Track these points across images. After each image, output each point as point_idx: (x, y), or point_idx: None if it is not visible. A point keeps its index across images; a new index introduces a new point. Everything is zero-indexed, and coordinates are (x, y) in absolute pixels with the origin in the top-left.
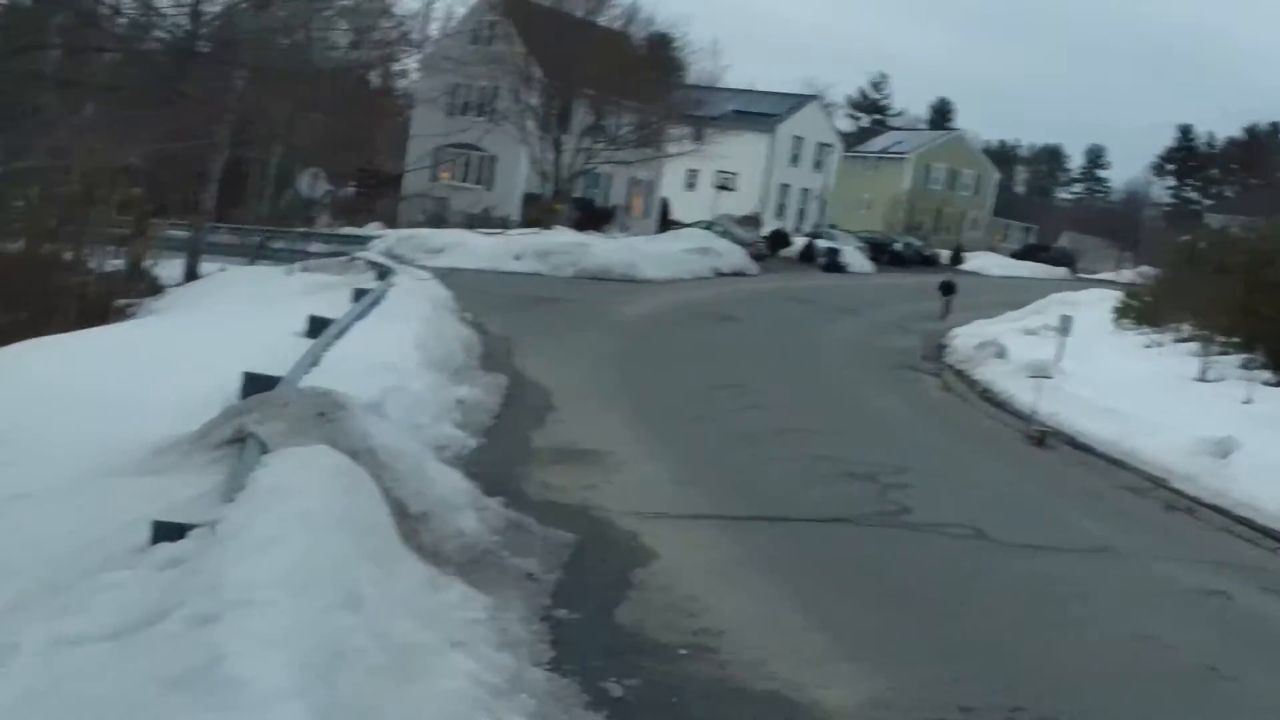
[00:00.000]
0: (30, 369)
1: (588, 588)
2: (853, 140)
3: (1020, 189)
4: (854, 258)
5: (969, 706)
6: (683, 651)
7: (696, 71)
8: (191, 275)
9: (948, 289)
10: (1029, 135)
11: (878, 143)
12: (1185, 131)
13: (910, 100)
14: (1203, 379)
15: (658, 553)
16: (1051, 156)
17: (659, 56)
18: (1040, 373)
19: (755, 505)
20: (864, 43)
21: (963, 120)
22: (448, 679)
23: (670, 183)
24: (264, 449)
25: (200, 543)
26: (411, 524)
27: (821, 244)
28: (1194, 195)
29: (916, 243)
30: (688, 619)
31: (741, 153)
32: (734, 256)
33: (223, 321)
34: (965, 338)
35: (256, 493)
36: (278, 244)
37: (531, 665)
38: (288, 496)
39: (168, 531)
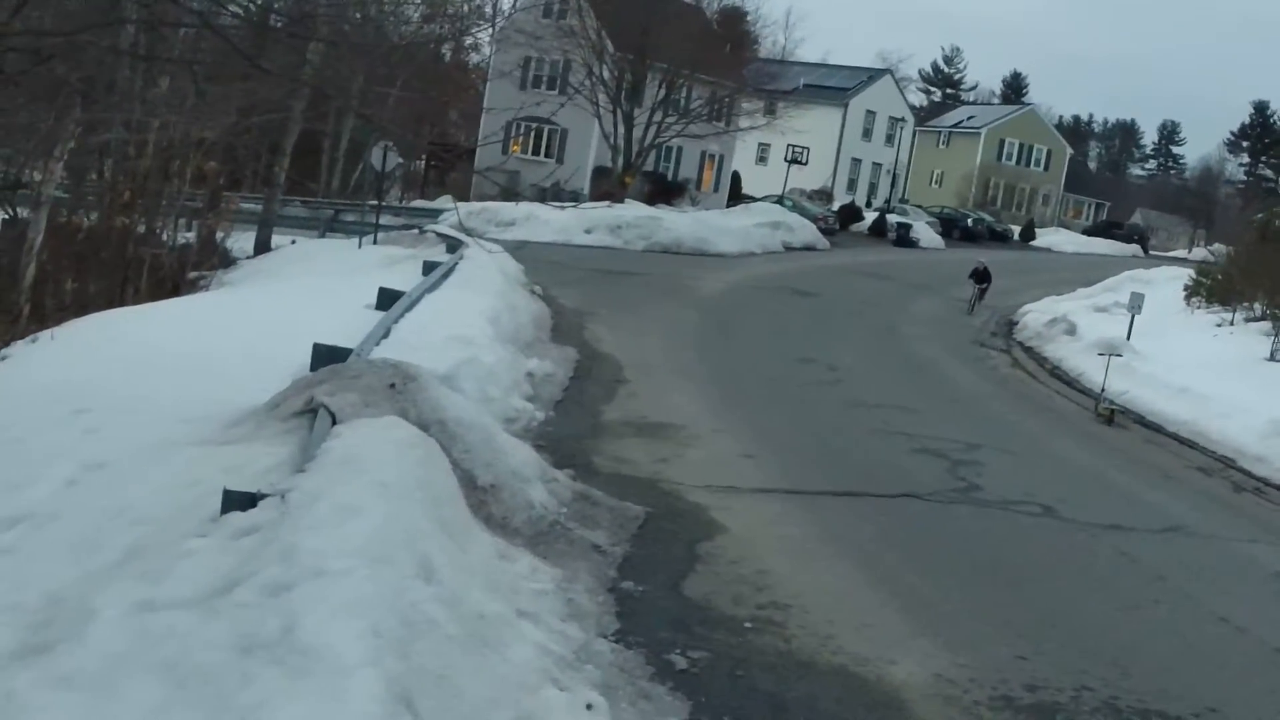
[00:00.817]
0: (105, 339)
1: (655, 560)
2: (925, 115)
3: (1093, 165)
4: (925, 233)
5: (1035, 685)
6: (749, 625)
7: (769, 45)
8: (263, 248)
9: (981, 276)
10: (1102, 110)
11: (950, 117)
12: (1261, 108)
13: (983, 74)
14: (1274, 359)
15: (726, 526)
16: (1125, 132)
17: (732, 30)
18: (1111, 350)
19: (825, 480)
20: (938, 15)
21: (1036, 95)
22: (517, 649)
23: (741, 157)
24: (334, 420)
25: (274, 512)
26: (481, 495)
27: (893, 219)
28: (1269, 173)
29: (988, 218)
30: (755, 592)
31: (813, 127)
32: (805, 231)
33: (294, 293)
34: (1036, 314)
35: (327, 463)
36: (349, 217)
37: (598, 636)
38: (359, 467)
39: (239, 501)
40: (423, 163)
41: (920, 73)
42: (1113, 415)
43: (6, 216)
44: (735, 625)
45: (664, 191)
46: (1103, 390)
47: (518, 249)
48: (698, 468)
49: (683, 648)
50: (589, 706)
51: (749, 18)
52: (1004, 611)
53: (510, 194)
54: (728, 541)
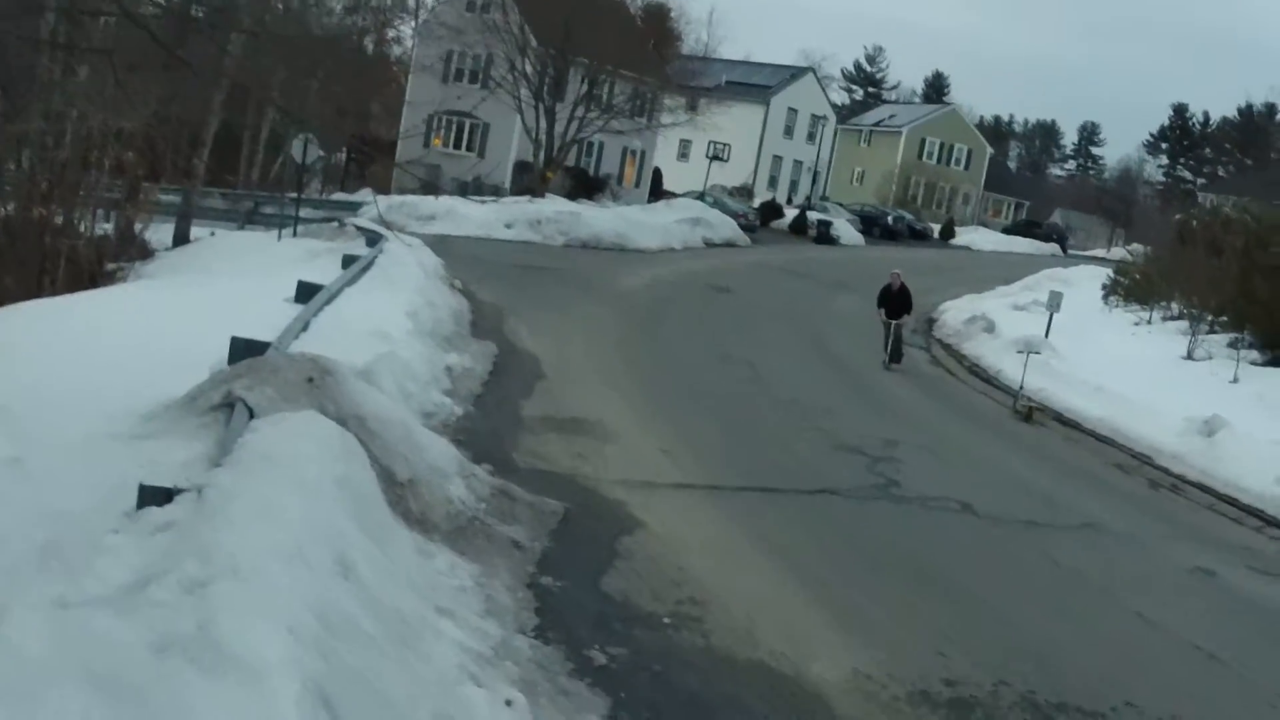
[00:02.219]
0: (20, 332)
1: (574, 556)
2: (847, 113)
3: (1013, 165)
4: (845, 230)
5: (954, 680)
6: (668, 620)
7: (692, 42)
8: (182, 239)
9: (896, 302)
10: (1023, 111)
11: (871, 116)
12: (1180, 110)
13: (906, 74)
14: (1190, 357)
15: (644, 522)
16: (1045, 133)
17: (655, 26)
18: (1029, 348)
19: (743, 475)
20: (860, 14)
21: (957, 95)
22: (436, 647)
23: (663, 153)
24: (252, 414)
25: (190, 508)
26: (400, 491)
27: (813, 216)
28: (1187, 175)
29: (908, 216)
30: (674, 588)
31: (735, 124)
32: (725, 228)
33: (212, 286)
34: (955, 312)
35: (245, 458)
36: (268, 209)
37: (517, 633)
38: (277, 463)
39: (154, 496)
40: (343, 156)
41: (843, 72)
42: (1031, 413)
43: None
44: (654, 621)
45: (585, 187)
46: (1021, 388)
47: (438, 243)
48: (616, 464)
49: (602, 644)
50: (508, 703)
51: (672, 14)
52: (922, 608)
53: (431, 188)
54: (646, 537)
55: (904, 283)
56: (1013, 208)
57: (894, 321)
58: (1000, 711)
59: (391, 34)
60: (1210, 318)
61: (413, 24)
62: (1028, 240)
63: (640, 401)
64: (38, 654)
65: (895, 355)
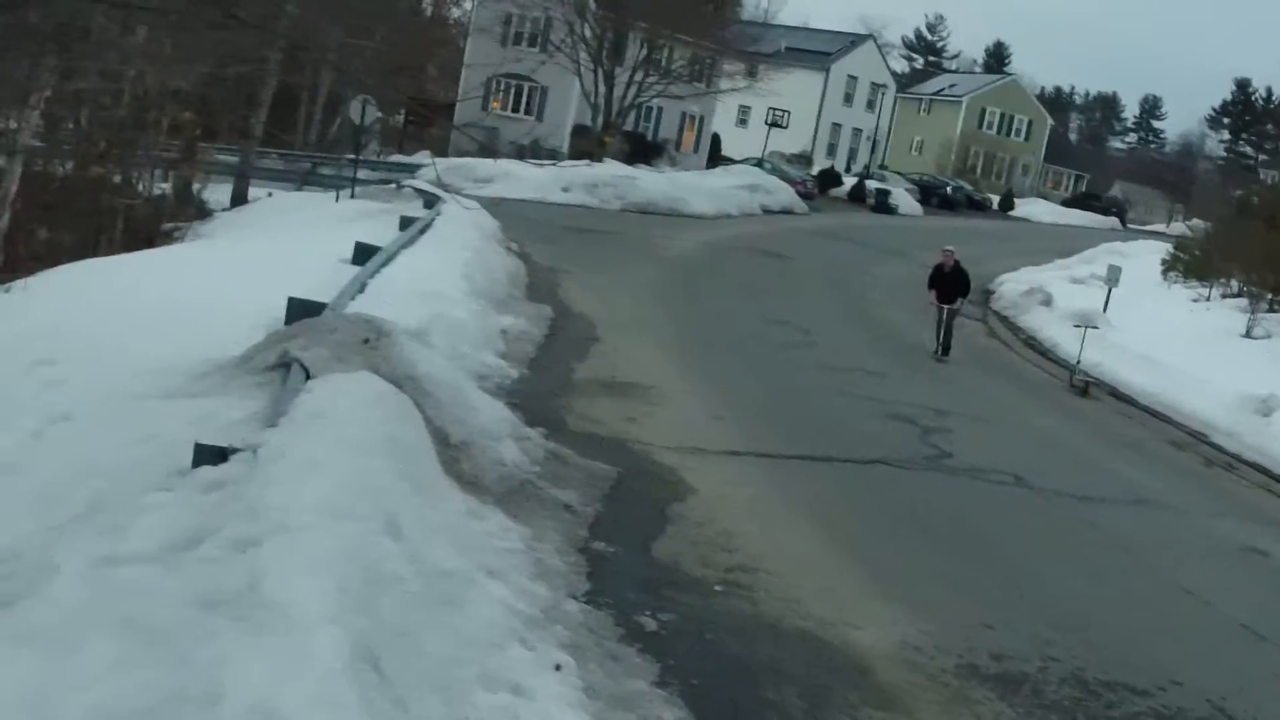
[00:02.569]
0: (77, 290)
1: (625, 521)
2: (907, 81)
3: (1073, 137)
4: (903, 200)
5: (1001, 654)
6: (718, 588)
7: (752, 7)
8: (239, 200)
9: (950, 285)
10: (1084, 82)
11: (932, 85)
12: (1243, 85)
13: (966, 43)
14: (1249, 335)
15: (696, 488)
16: (1106, 105)
17: None
18: (1086, 322)
19: (795, 443)
20: None
21: (1018, 65)
22: (483, 607)
23: (722, 119)
24: (307, 375)
25: (242, 467)
26: (452, 453)
27: (871, 185)
28: (1249, 150)
29: (967, 187)
30: (724, 555)
31: (794, 90)
32: (783, 194)
33: (269, 246)
34: (1012, 284)
35: (299, 418)
36: (326, 170)
37: (567, 596)
38: (330, 422)
39: (209, 455)
40: (401, 117)
41: (903, 39)
42: (1086, 387)
43: None
44: (704, 588)
45: (643, 151)
46: (1077, 361)
47: (494, 206)
48: (668, 428)
49: (652, 609)
50: (557, 667)
51: None
52: (971, 580)
53: (488, 150)
54: (697, 503)
55: (959, 261)
56: (1072, 180)
57: (947, 306)
58: (1048, 687)
59: None
60: (1270, 296)
61: None
62: (1087, 213)
63: (693, 366)
64: (81, 606)
65: (946, 346)
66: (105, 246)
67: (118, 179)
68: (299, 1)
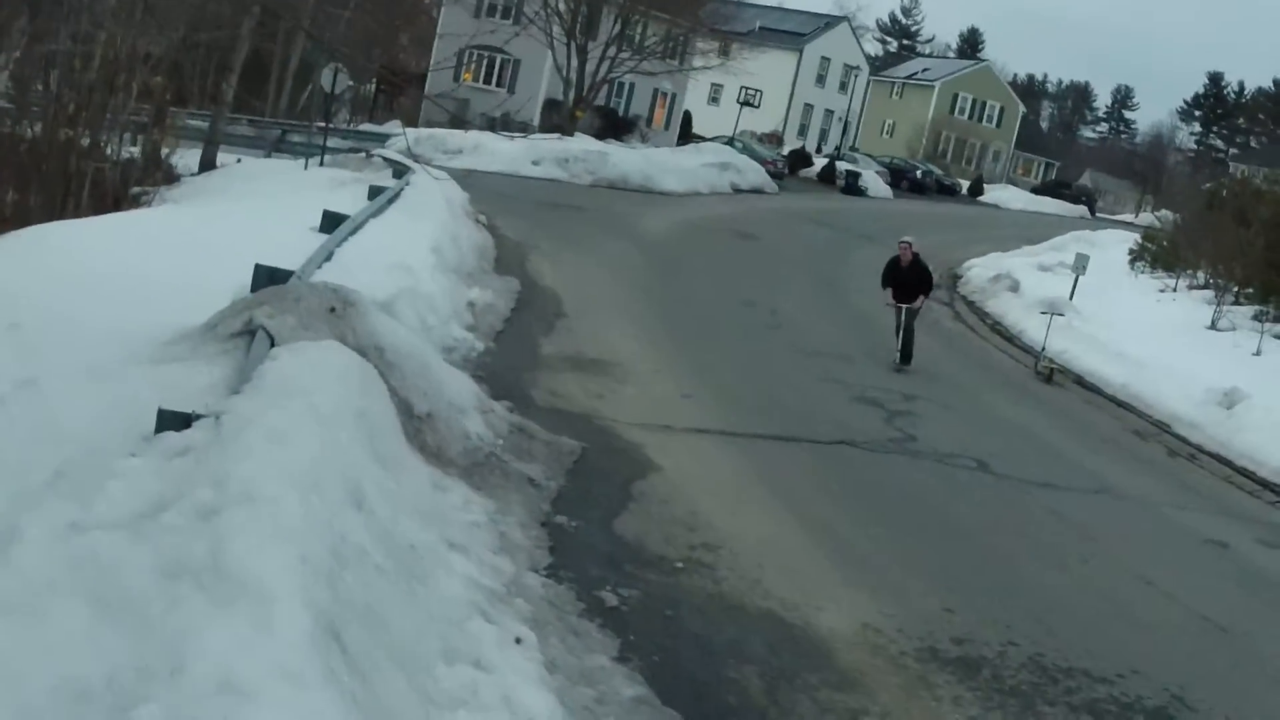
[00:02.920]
0: (43, 253)
1: (589, 496)
2: (880, 65)
3: (1045, 125)
4: (873, 182)
5: (962, 638)
6: (680, 565)
7: None
8: (208, 165)
9: (908, 280)
10: (1057, 71)
11: (905, 68)
12: (1215, 79)
13: (941, 28)
14: (1214, 327)
15: (660, 465)
16: (1078, 94)
17: None
18: (1053, 309)
19: (761, 422)
20: None
21: (991, 52)
22: (446, 581)
23: (694, 96)
24: (273, 342)
25: (206, 434)
26: (417, 424)
27: (842, 166)
28: (1219, 144)
29: (937, 171)
30: (687, 533)
31: (767, 70)
32: (753, 174)
33: (237, 213)
34: (980, 269)
35: (264, 386)
36: (296, 138)
37: (529, 571)
38: (296, 391)
39: (173, 421)
40: (372, 87)
41: (877, 22)
42: (1052, 374)
43: None
44: (666, 565)
45: (614, 127)
46: (1043, 349)
47: (464, 178)
48: (634, 405)
49: (614, 585)
50: (518, 640)
51: None
52: (933, 564)
53: (459, 122)
54: (661, 481)
55: (918, 255)
56: (1042, 168)
57: (906, 306)
58: (1007, 672)
59: None
60: (1236, 289)
61: None
62: (1056, 201)
63: (661, 343)
64: (45, 574)
65: (907, 353)
66: (72, 210)
67: (86, 142)
68: None
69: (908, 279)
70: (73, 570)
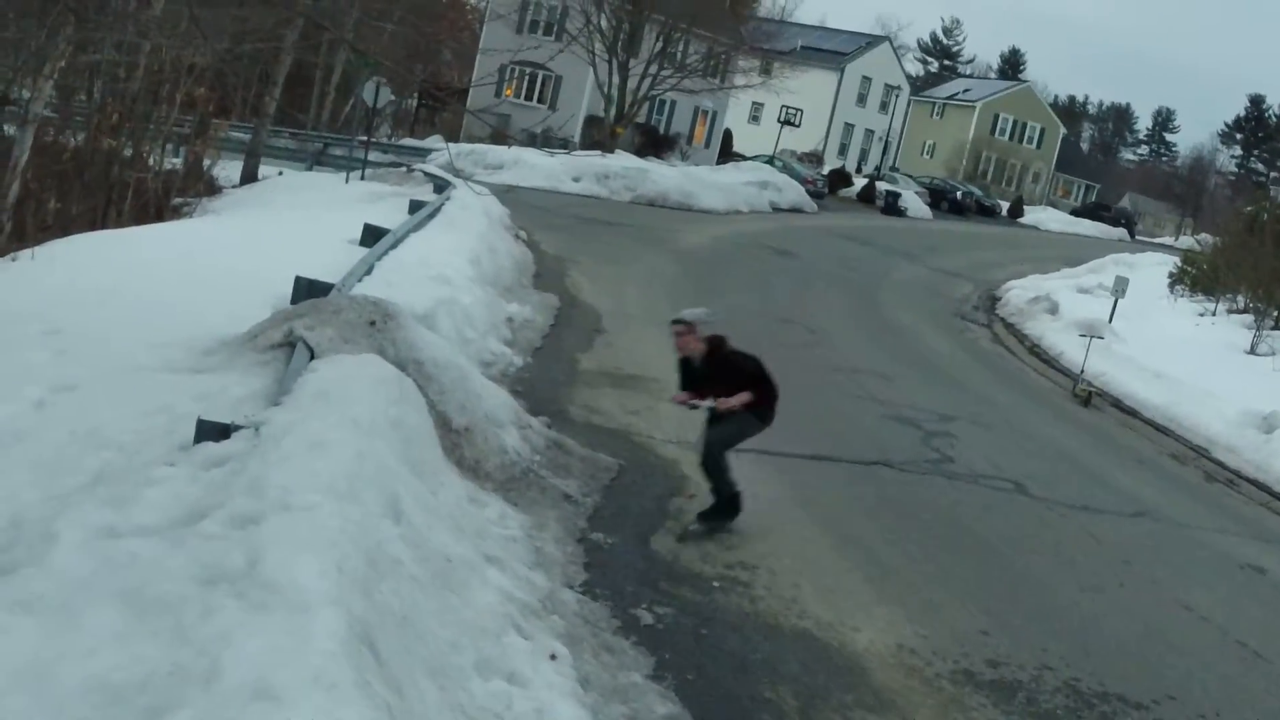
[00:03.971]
0: (85, 262)
1: (625, 513)
2: (920, 84)
3: (1085, 146)
4: (913, 202)
5: (998, 661)
6: (716, 584)
7: (767, 3)
8: (250, 177)
9: (712, 380)
10: (1098, 92)
11: (946, 89)
12: (1257, 101)
13: (982, 48)
14: (1253, 351)
15: (696, 482)
16: (1119, 116)
17: None
18: (1092, 332)
19: (797, 441)
20: None
21: (1032, 72)
22: (481, 594)
23: (734, 115)
24: (312, 354)
25: (245, 444)
26: (455, 438)
27: (882, 187)
28: (1260, 167)
29: (977, 192)
30: (723, 551)
31: (808, 89)
32: (793, 192)
33: (278, 225)
34: (1019, 290)
35: (303, 398)
36: (337, 151)
37: (564, 586)
38: (334, 403)
39: (212, 431)
40: (414, 101)
41: (919, 42)
42: (1090, 396)
43: None
44: (702, 583)
45: (655, 144)
46: (1081, 371)
47: (505, 193)
48: (670, 422)
49: (649, 603)
50: (552, 656)
51: None
52: (970, 585)
53: (501, 137)
54: (699, 499)
55: (724, 343)
56: (1082, 189)
57: (701, 405)
58: (1043, 695)
59: None
60: (1276, 313)
61: None
62: (1096, 223)
63: None
64: (81, 577)
65: (712, 510)
66: (114, 219)
67: (129, 152)
68: None
69: (712, 376)
70: (109, 574)
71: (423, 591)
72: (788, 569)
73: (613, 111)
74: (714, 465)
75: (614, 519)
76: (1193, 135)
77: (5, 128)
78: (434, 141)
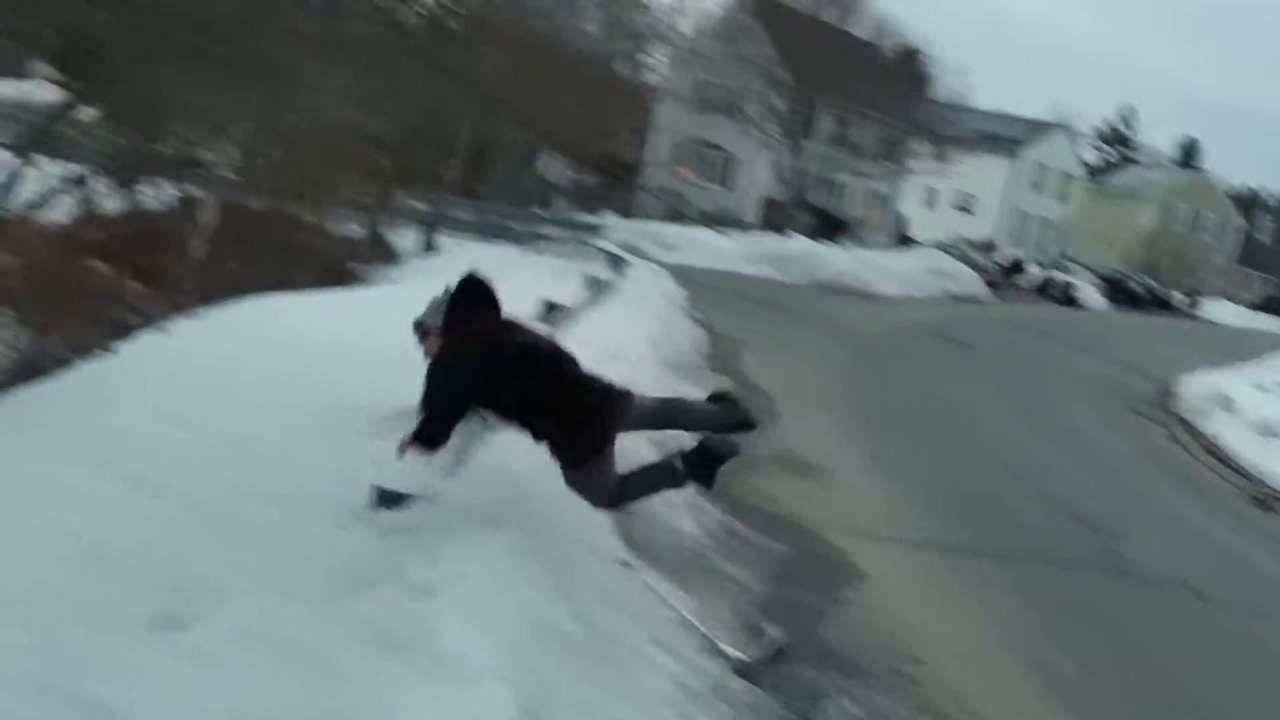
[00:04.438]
0: (263, 323)
1: (795, 602)
2: (1096, 172)
3: (1265, 239)
4: (1089, 293)
5: None
6: (883, 678)
7: (942, 89)
8: (429, 247)
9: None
10: (1278, 184)
11: (1121, 177)
12: None
13: (1158, 137)
14: None
15: (868, 574)
16: None
17: (906, 70)
18: (1270, 431)
19: (968, 537)
20: (1114, 68)
21: (1210, 161)
22: (648, 677)
23: (908, 199)
24: (489, 426)
25: (420, 514)
26: (626, 517)
27: (1057, 276)
28: None
29: (1153, 283)
30: (892, 646)
31: (982, 175)
32: (968, 280)
33: None
34: (1194, 387)
35: (479, 470)
36: (514, 224)
37: (733, 674)
38: (509, 477)
39: (388, 498)
40: (590, 177)
41: (1095, 130)
42: (1268, 500)
43: (180, 195)
44: (870, 677)
45: (829, 227)
46: (1259, 473)
47: (678, 272)
48: (841, 511)
49: (818, 695)
50: None
51: (923, 59)
52: (1145, 692)
53: (675, 216)
54: (868, 591)
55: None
56: (1262, 283)
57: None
58: None
59: (645, 59)
60: None
61: (667, 51)
62: (1275, 318)
63: (871, 449)
64: (250, 634)
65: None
66: (295, 283)
67: (310, 217)
68: (497, 56)
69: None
70: (278, 634)
71: (590, 670)
72: (957, 669)
73: (787, 193)
74: (624, 502)
75: (783, 608)
76: None
77: (191, 190)
78: (608, 217)
